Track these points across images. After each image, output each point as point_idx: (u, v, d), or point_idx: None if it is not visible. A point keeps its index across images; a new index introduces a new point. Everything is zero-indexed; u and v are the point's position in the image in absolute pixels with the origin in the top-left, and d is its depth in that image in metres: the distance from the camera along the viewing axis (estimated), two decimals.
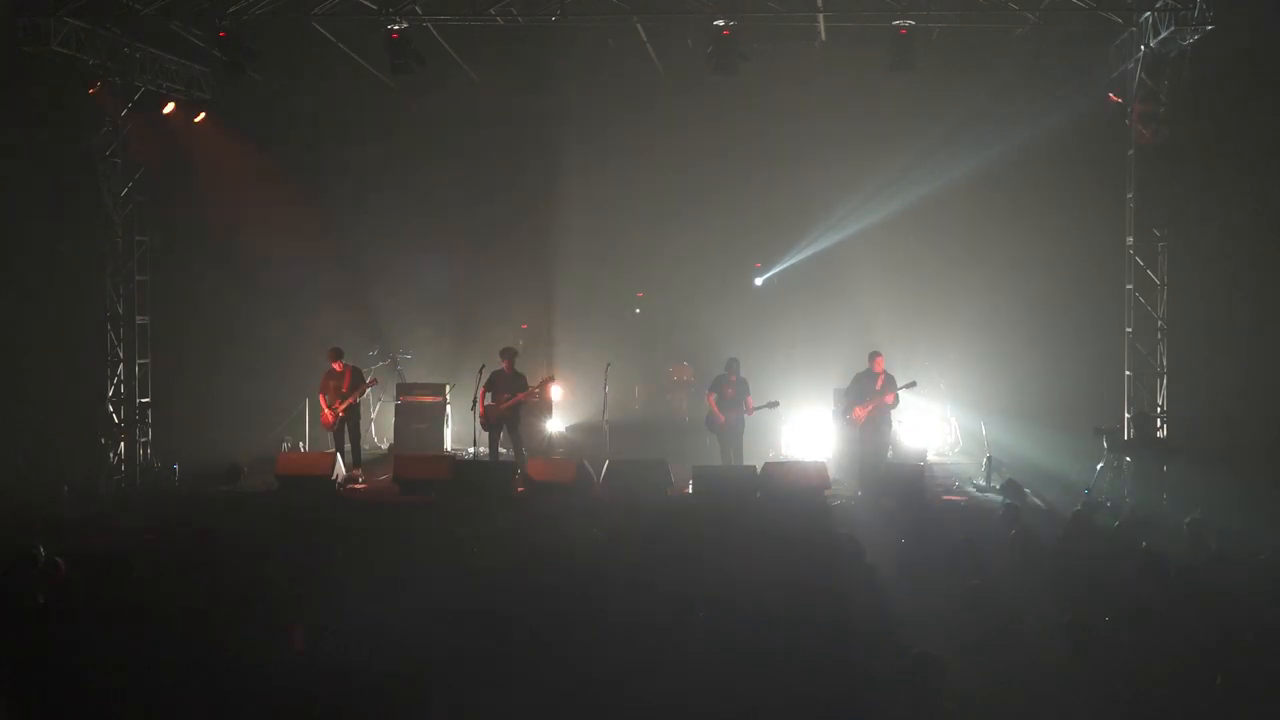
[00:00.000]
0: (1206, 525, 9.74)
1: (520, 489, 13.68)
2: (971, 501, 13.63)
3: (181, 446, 15.52)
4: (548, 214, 17.74)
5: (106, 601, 7.82)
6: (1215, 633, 6.98)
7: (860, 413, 13.95)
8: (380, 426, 17.83)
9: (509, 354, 14.67)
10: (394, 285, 18.07)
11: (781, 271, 18.13)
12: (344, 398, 14.65)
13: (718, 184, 17.56)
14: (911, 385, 14.23)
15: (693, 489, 13.57)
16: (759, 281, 18.38)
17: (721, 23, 13.51)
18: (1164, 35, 13.10)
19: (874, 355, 14.10)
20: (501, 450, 14.64)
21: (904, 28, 13.33)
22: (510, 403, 14.36)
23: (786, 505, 12.66)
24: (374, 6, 13.83)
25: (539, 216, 17.80)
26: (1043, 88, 15.31)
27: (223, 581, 8.33)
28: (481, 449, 15.42)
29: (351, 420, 14.86)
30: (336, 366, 14.75)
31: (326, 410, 14.76)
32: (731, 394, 14.41)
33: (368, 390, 15.30)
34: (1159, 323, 14.37)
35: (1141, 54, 13.66)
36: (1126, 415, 14.38)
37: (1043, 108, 15.41)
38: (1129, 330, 14.54)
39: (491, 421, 14.51)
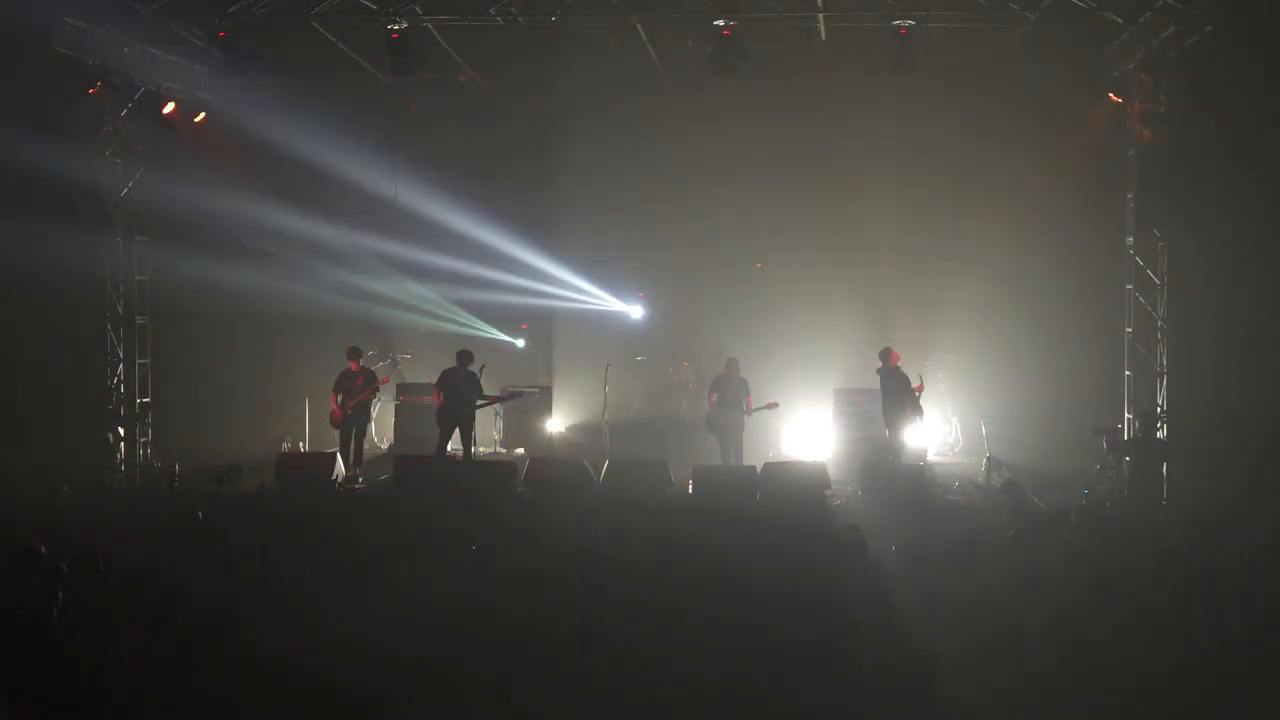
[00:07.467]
0: None
1: (521, 489, 13.68)
2: (971, 501, 13.63)
3: (181, 446, 15.51)
4: (547, 213, 17.74)
5: (107, 601, 7.82)
6: (1214, 632, 6.98)
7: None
8: (380, 426, 17.81)
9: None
10: (393, 285, 18.04)
11: (781, 271, 18.10)
12: (355, 397, 14.66)
13: (717, 183, 17.54)
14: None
15: (693, 489, 13.56)
16: (759, 273, 18.33)
17: (721, 23, 13.51)
18: (1164, 35, 13.10)
19: (888, 351, 14.13)
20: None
21: (904, 28, 13.34)
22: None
23: (786, 505, 12.66)
24: (374, 6, 13.84)
25: (538, 215, 17.79)
26: (1043, 88, 15.30)
27: (222, 581, 8.33)
28: (482, 449, 15.40)
29: (360, 420, 14.87)
30: (354, 367, 14.75)
31: (336, 408, 14.75)
32: (731, 394, 14.42)
33: (378, 391, 15.30)
34: (1159, 323, 14.36)
35: (1141, 54, 13.67)
36: (1126, 415, 14.38)
37: (1043, 108, 15.40)
38: (1129, 330, 14.54)
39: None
